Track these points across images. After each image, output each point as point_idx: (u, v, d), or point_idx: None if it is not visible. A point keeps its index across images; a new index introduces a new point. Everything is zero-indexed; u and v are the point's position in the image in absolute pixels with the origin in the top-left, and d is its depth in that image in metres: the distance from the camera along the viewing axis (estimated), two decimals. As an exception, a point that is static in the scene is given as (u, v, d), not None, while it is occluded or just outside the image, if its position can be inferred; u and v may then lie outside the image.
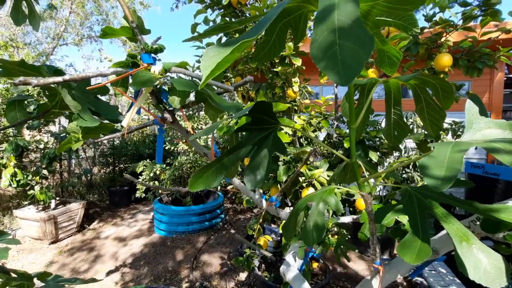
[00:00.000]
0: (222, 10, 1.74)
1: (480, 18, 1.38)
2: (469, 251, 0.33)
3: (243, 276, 3.12)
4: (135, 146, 6.97)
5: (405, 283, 2.89)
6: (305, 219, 0.59)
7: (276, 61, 1.62)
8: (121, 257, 3.69)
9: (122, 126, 0.70)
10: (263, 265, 2.63)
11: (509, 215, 0.34)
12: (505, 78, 4.87)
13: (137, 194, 4.85)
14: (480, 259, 0.33)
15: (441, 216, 0.38)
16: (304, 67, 2.17)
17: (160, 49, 0.68)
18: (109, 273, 3.31)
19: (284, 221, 0.77)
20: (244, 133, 0.64)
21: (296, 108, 2.01)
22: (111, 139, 6.95)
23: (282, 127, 1.83)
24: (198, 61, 2.56)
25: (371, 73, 1.86)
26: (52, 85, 0.86)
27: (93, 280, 1.06)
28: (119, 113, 0.88)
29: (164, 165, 5.10)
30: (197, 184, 0.56)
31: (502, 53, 1.49)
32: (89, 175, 6.05)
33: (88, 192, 6.32)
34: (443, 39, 1.42)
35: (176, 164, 4.86)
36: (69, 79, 0.57)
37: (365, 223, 0.83)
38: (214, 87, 0.87)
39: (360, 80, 0.64)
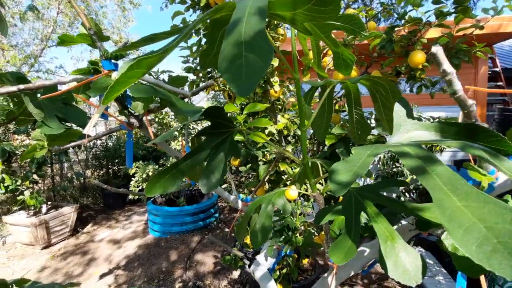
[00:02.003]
0: (201, 11, 1.74)
1: (454, 15, 1.40)
2: (392, 250, 0.35)
3: (236, 274, 3.15)
4: (128, 148, 6.93)
5: (395, 276, 2.94)
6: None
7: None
8: (115, 259, 3.69)
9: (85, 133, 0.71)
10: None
11: (432, 214, 0.35)
12: (489, 72, 4.93)
13: (130, 196, 4.84)
14: (400, 258, 0.34)
15: (372, 215, 0.39)
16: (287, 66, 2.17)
17: (121, 56, 0.69)
18: (102, 276, 3.31)
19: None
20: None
21: (280, 107, 2.02)
22: (104, 141, 6.89)
23: (266, 126, 1.83)
24: (184, 62, 2.55)
25: (352, 71, 1.87)
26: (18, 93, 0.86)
27: (73, 284, 1.07)
28: (88, 118, 0.88)
29: (157, 166, 5.10)
30: (155, 189, 0.57)
31: (478, 49, 1.51)
32: (82, 178, 6.02)
33: (81, 195, 6.28)
34: (417, 37, 1.44)
35: (169, 165, 4.85)
36: (24, 88, 0.57)
37: (334, 221, 0.85)
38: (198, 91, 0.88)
39: (316, 82, 0.66)
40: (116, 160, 6.81)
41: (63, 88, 0.69)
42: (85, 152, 6.63)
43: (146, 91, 0.61)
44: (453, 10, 1.30)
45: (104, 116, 0.80)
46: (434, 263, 2.46)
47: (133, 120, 0.75)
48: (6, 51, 8.45)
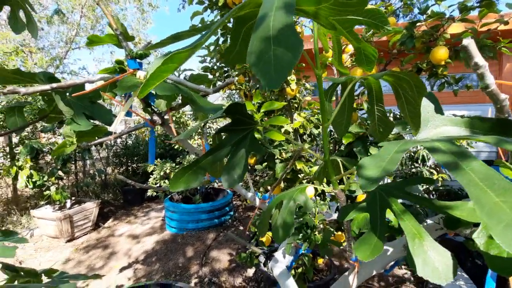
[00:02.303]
0: (219, 11, 1.76)
1: (478, 9, 1.35)
2: (420, 248, 0.34)
3: (250, 272, 3.16)
4: (146, 146, 7.12)
5: (412, 278, 2.85)
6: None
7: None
8: (134, 254, 3.81)
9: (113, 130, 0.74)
10: (268, 261, 2.66)
11: (462, 212, 0.34)
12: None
13: (149, 193, 4.98)
14: (429, 256, 0.33)
15: (398, 213, 0.38)
16: (304, 64, 2.16)
17: (145, 55, 0.71)
18: (122, 269, 3.43)
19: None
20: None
21: (296, 105, 2.01)
22: (124, 140, 7.11)
23: (283, 124, 1.81)
24: (201, 62, 2.59)
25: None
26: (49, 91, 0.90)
27: (96, 276, 1.12)
28: (113, 116, 0.92)
29: (174, 164, 5.21)
30: (178, 184, 0.59)
31: (503, 44, 1.45)
32: (103, 175, 6.24)
33: (103, 191, 6.51)
34: (440, 32, 1.39)
35: (185, 163, 4.94)
36: (56, 86, 0.60)
37: (354, 219, 0.84)
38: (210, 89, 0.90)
39: (338, 79, 0.65)
40: (135, 158, 7.02)
41: (90, 87, 0.72)
42: (106, 150, 6.87)
43: (171, 89, 0.62)
44: (477, 5, 1.25)
45: (128, 113, 0.83)
46: (456, 267, 2.37)
47: (156, 117, 0.78)
48: (34, 53, 8.90)
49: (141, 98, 0.75)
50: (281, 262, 0.89)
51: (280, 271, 0.81)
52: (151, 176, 5.21)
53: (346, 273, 0.59)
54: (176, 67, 0.28)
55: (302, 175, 1.55)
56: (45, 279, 1.04)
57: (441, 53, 1.22)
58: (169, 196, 5.07)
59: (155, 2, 13.45)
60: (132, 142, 7.08)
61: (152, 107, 0.77)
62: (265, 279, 2.66)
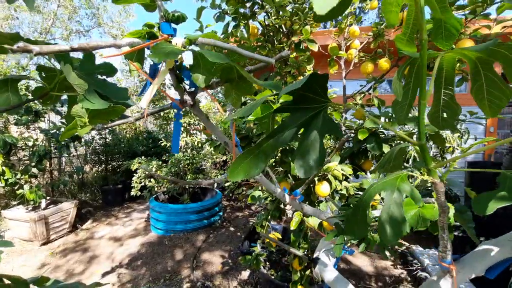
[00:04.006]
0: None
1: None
2: None
3: (245, 274, 3.05)
4: (128, 143, 6.79)
5: (409, 278, 2.86)
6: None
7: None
8: (117, 257, 3.56)
9: (140, 108, 0.61)
10: (267, 263, 2.56)
11: None
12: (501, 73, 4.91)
13: (132, 193, 4.71)
14: None
15: None
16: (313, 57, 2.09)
17: (183, 18, 0.59)
18: (105, 274, 3.19)
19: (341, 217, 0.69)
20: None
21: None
22: (103, 136, 6.70)
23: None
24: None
25: (384, 62, 1.79)
26: (52, 66, 0.76)
27: (98, 284, 0.96)
28: (128, 96, 0.78)
29: (160, 162, 4.98)
30: (237, 173, 0.48)
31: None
32: (80, 173, 5.85)
33: (79, 191, 6.12)
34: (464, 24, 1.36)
35: (173, 160, 4.73)
36: (77, 47, 0.47)
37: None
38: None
39: (416, 54, 0.57)
40: (116, 156, 6.65)
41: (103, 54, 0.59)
42: (84, 146, 6.45)
43: (221, 57, 0.51)
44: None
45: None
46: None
47: (187, 97, 0.66)
48: (6, 41, 8.21)
49: (173, 72, 0.63)
50: (330, 265, 0.80)
51: (335, 276, 0.72)
52: (134, 175, 4.94)
53: (434, 277, 0.50)
54: None
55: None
56: (35, 290, 0.88)
57: (467, 45, 1.18)
58: (154, 196, 4.83)
59: (138, -5, 12.94)
60: (112, 139, 6.71)
61: (184, 84, 0.65)
62: (263, 282, 2.56)
